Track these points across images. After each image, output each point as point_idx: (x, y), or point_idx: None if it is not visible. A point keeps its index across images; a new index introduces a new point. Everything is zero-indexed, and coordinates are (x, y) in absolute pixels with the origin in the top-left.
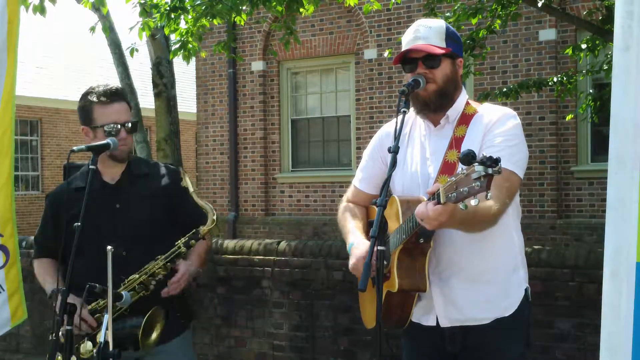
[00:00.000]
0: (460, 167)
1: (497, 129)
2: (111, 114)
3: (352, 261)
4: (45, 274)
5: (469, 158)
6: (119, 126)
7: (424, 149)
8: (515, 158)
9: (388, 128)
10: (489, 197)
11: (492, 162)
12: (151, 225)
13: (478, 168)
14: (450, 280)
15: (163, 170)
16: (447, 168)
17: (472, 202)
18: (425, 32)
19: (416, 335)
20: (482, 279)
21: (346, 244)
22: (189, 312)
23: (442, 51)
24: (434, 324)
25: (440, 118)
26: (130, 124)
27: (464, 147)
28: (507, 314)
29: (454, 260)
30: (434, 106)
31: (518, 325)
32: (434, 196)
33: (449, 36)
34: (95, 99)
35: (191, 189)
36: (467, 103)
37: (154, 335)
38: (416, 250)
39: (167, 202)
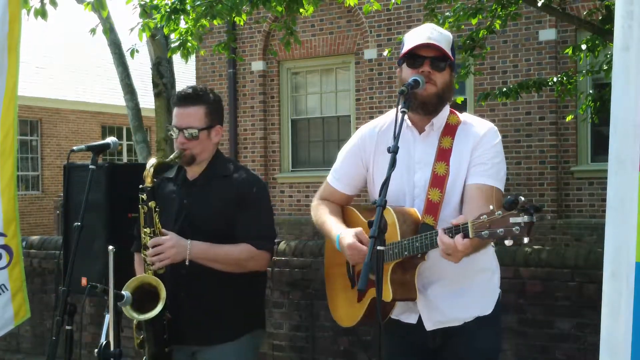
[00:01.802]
0: (491, 206)
1: (486, 145)
2: (175, 117)
3: (347, 242)
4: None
5: (513, 205)
6: (177, 131)
7: (409, 155)
8: (500, 175)
9: (370, 127)
10: (526, 241)
11: (535, 210)
12: (211, 226)
13: (523, 217)
14: (432, 286)
15: (243, 176)
16: (436, 181)
17: (507, 242)
18: (437, 36)
19: (397, 332)
20: (464, 284)
21: (331, 238)
22: (254, 315)
23: (452, 58)
24: (414, 322)
25: (426, 125)
26: (193, 130)
27: (453, 161)
28: (484, 314)
29: (436, 267)
30: (432, 107)
31: (494, 325)
32: (458, 228)
33: (454, 49)
34: (175, 100)
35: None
36: (451, 112)
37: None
38: (409, 264)
39: (231, 208)
